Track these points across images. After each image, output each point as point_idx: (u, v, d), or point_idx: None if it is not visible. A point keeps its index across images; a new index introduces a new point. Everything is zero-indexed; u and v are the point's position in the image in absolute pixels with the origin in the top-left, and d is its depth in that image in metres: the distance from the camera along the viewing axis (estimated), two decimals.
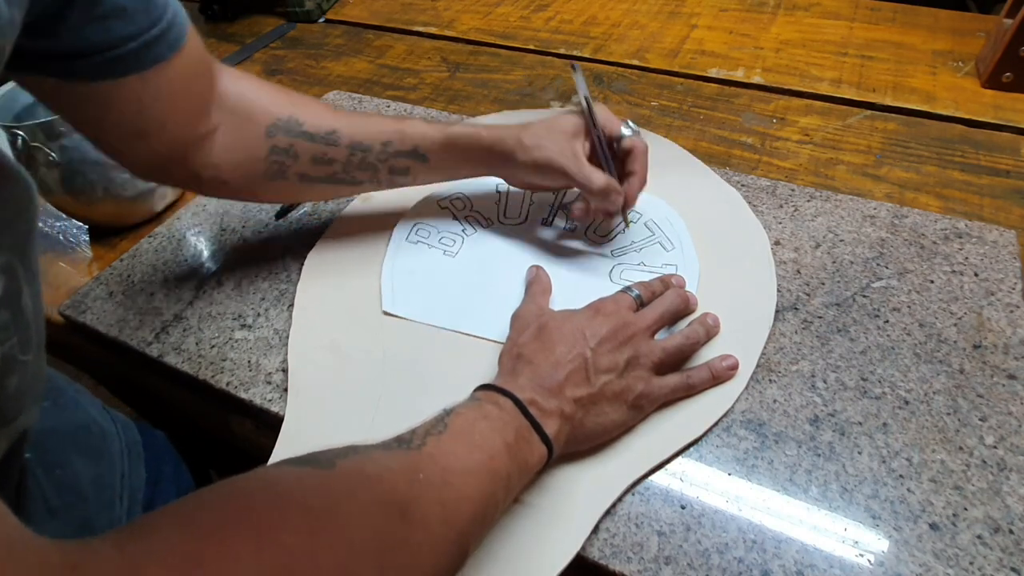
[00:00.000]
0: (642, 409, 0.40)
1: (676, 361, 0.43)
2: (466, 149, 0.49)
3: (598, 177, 0.46)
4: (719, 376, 0.42)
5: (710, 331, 0.44)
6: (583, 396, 0.38)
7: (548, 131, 0.48)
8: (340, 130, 0.46)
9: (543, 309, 0.45)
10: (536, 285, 0.47)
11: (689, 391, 0.42)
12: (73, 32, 0.33)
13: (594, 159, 0.49)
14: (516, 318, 0.44)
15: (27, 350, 0.26)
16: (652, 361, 0.41)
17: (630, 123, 0.49)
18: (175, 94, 0.39)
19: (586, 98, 0.48)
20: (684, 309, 0.45)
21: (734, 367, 0.43)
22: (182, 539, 0.22)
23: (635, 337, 0.41)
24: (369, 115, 0.49)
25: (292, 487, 0.26)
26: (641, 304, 0.44)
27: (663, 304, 0.44)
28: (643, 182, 0.49)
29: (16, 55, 0.31)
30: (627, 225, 0.51)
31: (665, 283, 0.46)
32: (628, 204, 0.49)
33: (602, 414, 0.38)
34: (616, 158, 0.49)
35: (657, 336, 0.43)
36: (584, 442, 0.39)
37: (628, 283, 0.47)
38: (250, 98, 0.44)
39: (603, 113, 0.49)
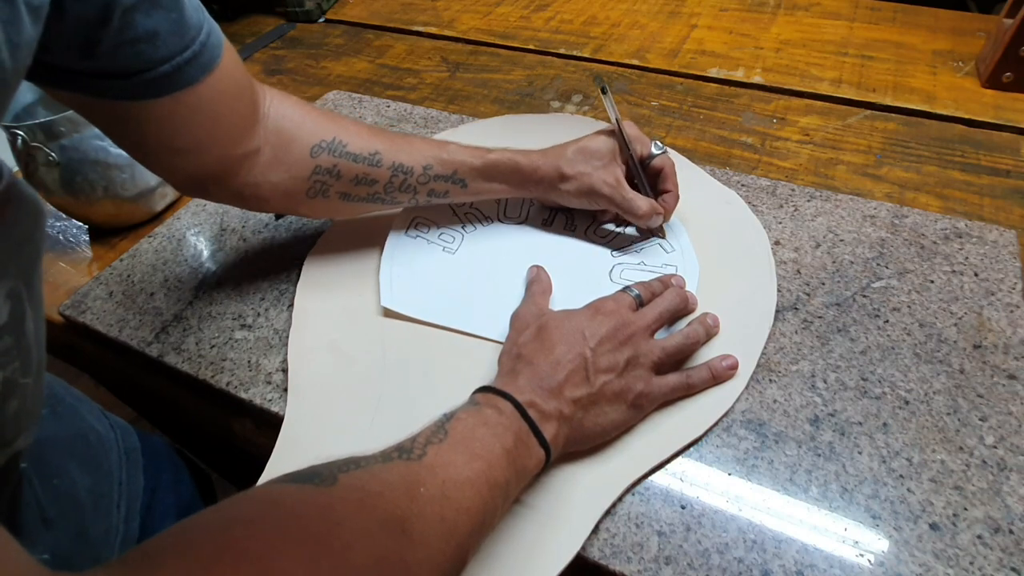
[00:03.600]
0: (642, 409, 0.40)
1: (676, 361, 0.43)
2: (504, 175, 0.50)
3: (641, 203, 0.48)
4: (719, 376, 0.42)
5: (709, 331, 0.45)
6: (582, 396, 0.38)
7: (586, 157, 0.49)
8: (382, 152, 0.47)
9: (543, 309, 0.45)
10: (536, 285, 0.47)
11: (689, 391, 0.42)
12: (106, 55, 0.33)
13: (629, 180, 0.50)
14: (516, 318, 0.44)
15: (28, 373, 0.26)
16: (652, 360, 0.41)
17: (657, 142, 0.50)
18: (211, 114, 0.39)
19: (617, 120, 0.49)
20: (684, 308, 0.45)
21: (734, 367, 0.43)
22: (184, 572, 0.21)
23: (635, 336, 0.41)
24: (409, 138, 0.49)
25: (293, 511, 0.25)
26: (640, 304, 0.44)
27: (663, 303, 0.44)
28: (677, 198, 0.51)
29: (52, 71, 0.33)
30: (663, 236, 0.53)
31: (665, 283, 0.46)
32: (664, 220, 0.52)
33: (602, 414, 0.39)
34: (648, 175, 0.51)
35: (656, 336, 0.43)
36: (584, 442, 0.39)
37: (628, 283, 0.47)
38: (295, 120, 0.45)
39: (633, 132, 0.50)
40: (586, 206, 0.51)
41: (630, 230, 0.54)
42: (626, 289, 0.44)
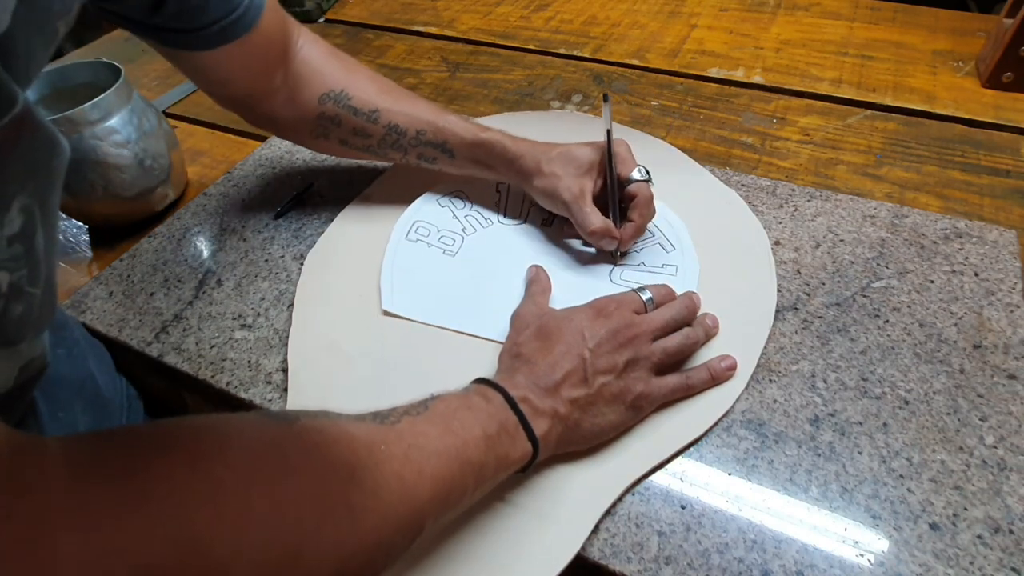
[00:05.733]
0: (641, 410, 0.40)
1: (675, 362, 0.43)
2: (490, 155, 0.52)
3: (594, 220, 0.48)
4: (718, 376, 0.42)
5: (709, 332, 0.44)
6: (580, 397, 0.38)
7: (565, 162, 0.50)
8: (381, 111, 0.52)
9: (543, 309, 0.45)
10: (536, 285, 0.47)
11: (688, 391, 0.42)
12: (168, 17, 0.42)
13: (602, 196, 0.50)
14: (516, 318, 0.44)
15: (35, 284, 0.27)
16: (652, 362, 0.41)
17: (643, 168, 0.49)
18: (241, 62, 0.48)
19: (609, 132, 0.48)
20: (689, 319, 0.45)
21: (732, 367, 0.43)
22: (126, 455, 0.22)
23: (636, 339, 0.40)
24: (414, 100, 0.53)
25: (244, 430, 0.26)
26: (651, 308, 0.44)
27: (671, 312, 0.43)
28: (639, 231, 0.49)
29: (126, 21, 0.43)
30: (615, 262, 0.51)
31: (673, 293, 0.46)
32: (619, 248, 0.50)
33: (600, 415, 0.38)
34: (624, 199, 0.50)
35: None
36: (581, 443, 0.39)
37: (628, 283, 0.47)
38: (313, 67, 0.51)
39: (620, 152, 0.49)
40: (549, 207, 0.52)
41: None
42: (639, 290, 0.44)
